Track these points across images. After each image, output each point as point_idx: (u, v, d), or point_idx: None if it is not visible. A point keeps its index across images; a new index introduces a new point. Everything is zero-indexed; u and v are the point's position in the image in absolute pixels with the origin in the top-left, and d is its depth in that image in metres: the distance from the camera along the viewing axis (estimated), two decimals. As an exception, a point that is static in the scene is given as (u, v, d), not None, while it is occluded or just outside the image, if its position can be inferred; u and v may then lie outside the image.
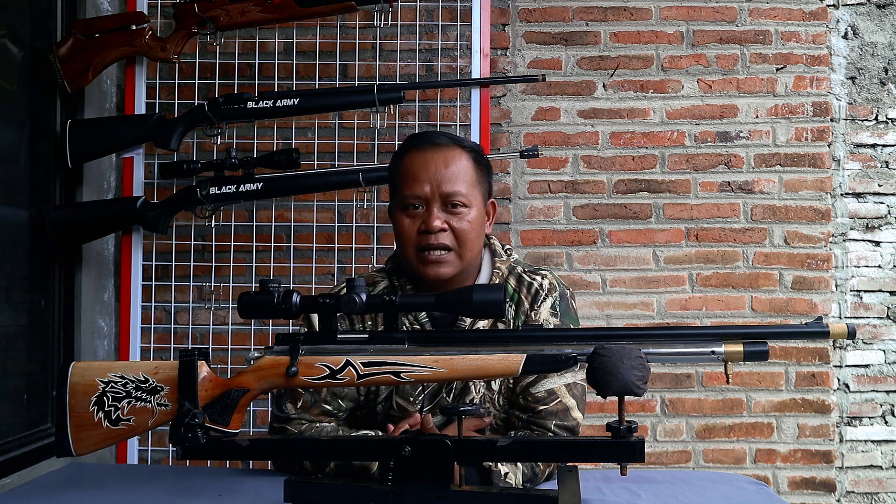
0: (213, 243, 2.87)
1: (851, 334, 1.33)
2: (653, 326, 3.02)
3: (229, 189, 2.55)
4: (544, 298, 1.72)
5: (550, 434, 1.66)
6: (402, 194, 1.68)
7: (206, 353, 1.40)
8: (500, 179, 3.07)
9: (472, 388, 1.68)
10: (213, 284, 2.88)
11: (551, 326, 1.70)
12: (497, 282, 1.72)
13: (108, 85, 2.94)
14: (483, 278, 1.75)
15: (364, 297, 1.34)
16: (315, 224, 2.86)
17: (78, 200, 2.77)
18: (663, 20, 3.11)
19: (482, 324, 1.69)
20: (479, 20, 2.71)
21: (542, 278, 1.74)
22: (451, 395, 1.69)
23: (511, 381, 1.71)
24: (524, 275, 1.75)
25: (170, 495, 1.55)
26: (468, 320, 1.68)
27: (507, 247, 1.82)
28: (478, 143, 1.81)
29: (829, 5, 3.12)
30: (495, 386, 1.70)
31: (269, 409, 1.74)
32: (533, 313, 1.71)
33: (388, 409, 1.70)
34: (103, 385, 1.37)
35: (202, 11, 2.58)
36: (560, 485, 1.39)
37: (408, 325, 1.69)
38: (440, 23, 2.95)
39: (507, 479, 1.56)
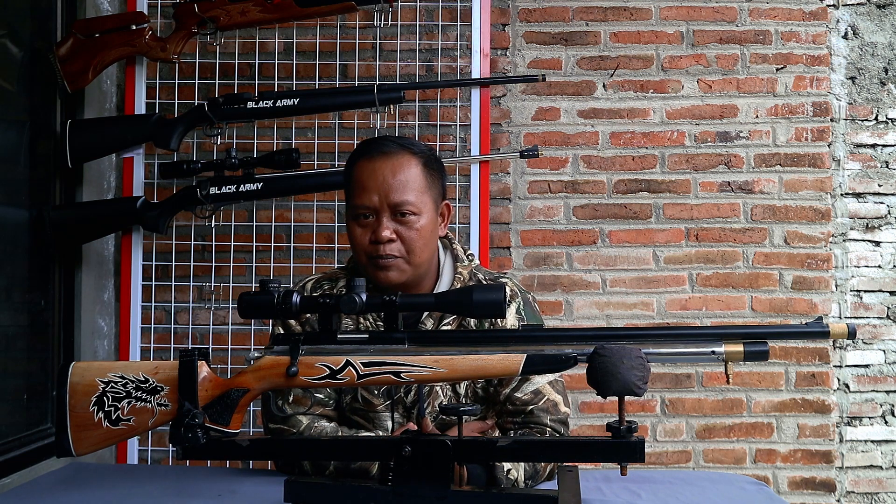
0: (213, 243, 2.87)
1: (851, 334, 1.33)
2: (653, 326, 3.02)
3: (229, 189, 2.55)
4: (508, 304, 1.74)
5: (547, 429, 1.68)
6: (353, 203, 1.70)
7: (206, 353, 1.40)
8: (500, 179, 3.07)
9: (440, 389, 1.69)
10: (213, 284, 2.88)
11: None
12: (458, 286, 1.73)
13: (108, 85, 2.94)
14: (444, 282, 1.76)
15: (364, 297, 1.34)
16: (315, 224, 2.86)
17: (78, 200, 2.77)
18: (663, 20, 3.11)
19: (445, 327, 1.71)
20: (479, 20, 2.71)
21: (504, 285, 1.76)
22: (410, 394, 1.69)
23: (480, 388, 1.73)
24: (485, 281, 1.77)
25: (170, 495, 1.55)
26: (429, 322, 1.70)
27: (469, 252, 1.84)
28: (430, 146, 1.82)
29: (829, 5, 3.12)
30: (461, 389, 1.71)
31: (266, 409, 1.73)
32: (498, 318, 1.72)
33: (353, 402, 1.71)
34: (103, 385, 1.37)
35: (202, 11, 2.57)
36: (560, 485, 1.39)
37: (371, 322, 1.69)
38: (440, 23, 2.95)
39: (509, 476, 1.57)
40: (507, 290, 1.75)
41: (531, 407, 1.69)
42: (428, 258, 1.73)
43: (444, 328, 1.70)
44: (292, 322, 1.72)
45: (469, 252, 1.84)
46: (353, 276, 1.75)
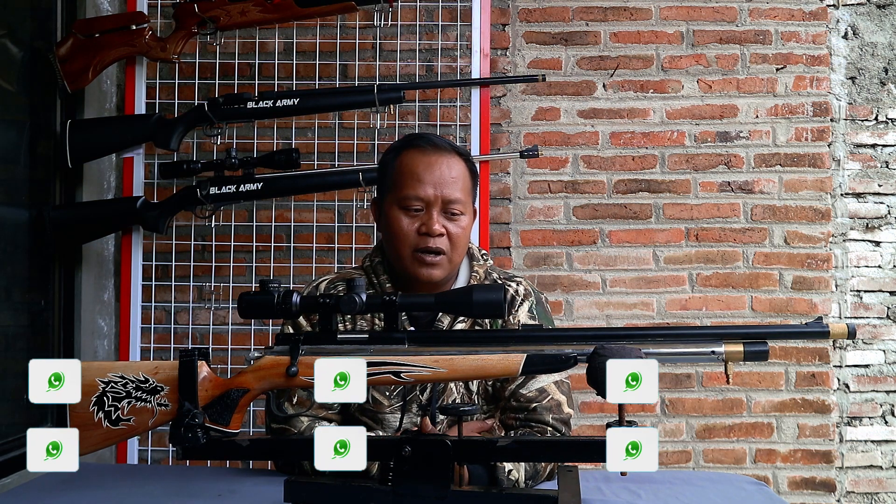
0: (213, 243, 2.87)
1: (851, 334, 1.33)
2: (653, 326, 3.02)
3: (229, 189, 2.55)
4: (521, 303, 1.76)
5: (549, 428, 1.69)
6: (403, 193, 1.70)
7: (206, 353, 1.40)
8: (500, 179, 3.07)
9: (454, 387, 1.70)
10: (213, 284, 2.88)
11: None
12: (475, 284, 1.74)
13: (108, 85, 2.94)
14: (461, 281, 1.78)
15: (364, 297, 1.34)
16: (315, 224, 2.86)
17: (78, 200, 2.77)
18: (663, 20, 3.11)
19: (460, 325, 1.71)
20: (479, 20, 2.71)
21: (517, 284, 1.79)
22: (425, 393, 1.69)
23: (490, 385, 1.73)
24: (499, 280, 1.78)
25: (170, 495, 1.55)
26: (446, 320, 1.71)
27: (484, 252, 1.86)
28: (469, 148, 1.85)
29: (829, 5, 3.12)
30: (473, 387, 1.72)
31: (269, 409, 1.73)
32: (511, 317, 1.74)
33: (363, 403, 1.71)
34: (103, 385, 1.37)
35: (202, 11, 2.58)
36: (560, 485, 1.39)
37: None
38: (440, 23, 2.95)
39: (510, 476, 1.57)
40: (522, 289, 1.77)
41: (535, 405, 1.70)
42: (462, 259, 1.75)
43: (458, 327, 1.70)
44: (303, 322, 1.72)
45: (483, 252, 1.85)
46: (375, 275, 1.76)
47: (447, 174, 1.69)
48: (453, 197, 1.69)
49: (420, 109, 2.95)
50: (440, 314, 1.70)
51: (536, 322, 1.75)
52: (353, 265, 1.90)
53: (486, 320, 1.70)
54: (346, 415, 1.73)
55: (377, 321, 1.70)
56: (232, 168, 2.54)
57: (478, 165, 2.67)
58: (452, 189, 1.69)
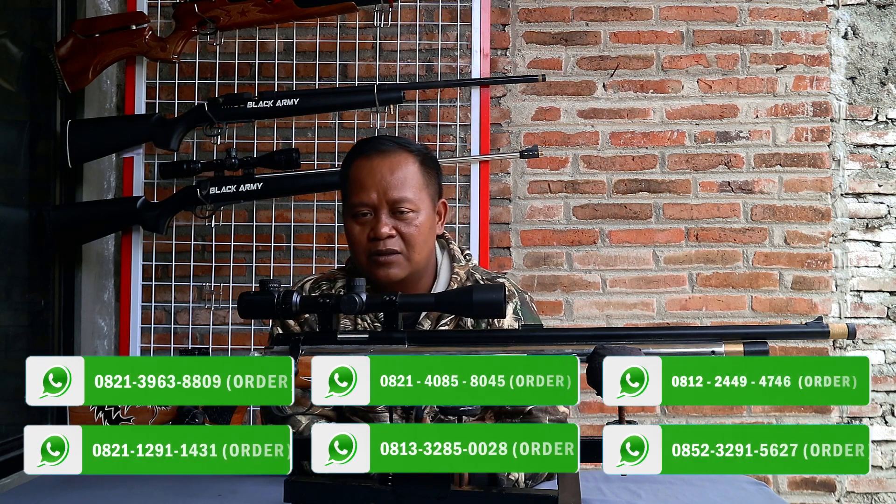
0: (213, 243, 2.87)
1: (851, 334, 1.33)
2: (653, 326, 3.02)
3: (229, 189, 2.55)
4: (505, 304, 1.73)
5: None
6: (351, 202, 1.71)
7: (207, 353, 1.40)
8: (500, 179, 3.07)
9: None
10: (213, 284, 2.88)
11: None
12: (455, 286, 1.74)
13: (108, 85, 2.94)
14: (441, 282, 1.77)
15: (364, 297, 1.34)
16: (315, 224, 2.86)
17: (78, 200, 2.77)
18: (663, 20, 3.11)
19: (444, 325, 1.71)
20: (479, 20, 2.71)
21: None
22: None
23: None
24: (482, 281, 1.77)
25: (170, 495, 1.55)
26: (427, 323, 1.70)
27: (467, 252, 1.85)
28: (425, 145, 1.84)
29: (829, 5, 3.12)
30: None
31: (265, 409, 1.73)
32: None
33: None
34: (103, 385, 1.37)
35: (202, 11, 2.57)
36: (560, 485, 1.39)
37: (369, 322, 1.70)
38: (440, 23, 2.95)
39: (510, 476, 1.57)
40: (505, 289, 1.76)
41: (529, 407, 1.70)
42: (426, 256, 1.74)
43: (442, 328, 1.70)
44: (291, 322, 1.72)
45: (467, 252, 1.85)
46: (352, 276, 1.76)
47: (388, 176, 1.69)
48: (398, 196, 1.68)
49: (420, 109, 2.95)
50: (422, 315, 1.70)
51: (522, 322, 1.74)
52: (337, 266, 1.92)
53: (469, 321, 1.70)
54: (337, 413, 1.73)
55: (359, 321, 1.70)
56: (232, 168, 2.54)
57: (477, 165, 2.68)
58: (397, 189, 1.68)
